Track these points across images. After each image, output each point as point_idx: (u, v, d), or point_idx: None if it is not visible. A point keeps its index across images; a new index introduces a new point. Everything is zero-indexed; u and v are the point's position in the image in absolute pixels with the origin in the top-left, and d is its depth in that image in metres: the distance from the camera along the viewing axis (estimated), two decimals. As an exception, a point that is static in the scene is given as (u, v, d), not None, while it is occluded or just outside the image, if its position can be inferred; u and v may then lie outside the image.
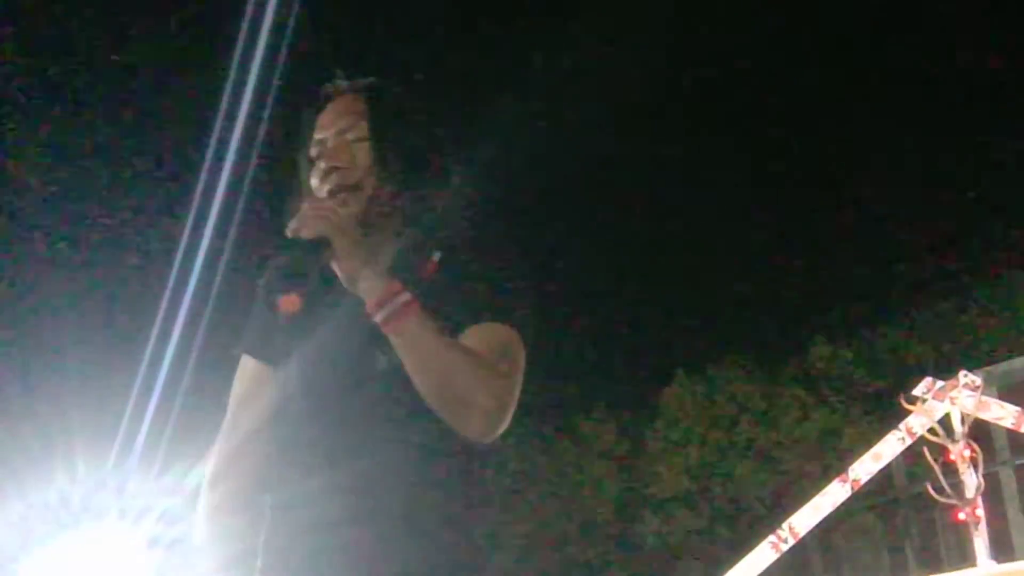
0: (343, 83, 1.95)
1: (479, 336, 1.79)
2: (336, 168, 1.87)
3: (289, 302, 1.92)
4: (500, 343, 1.80)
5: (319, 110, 1.94)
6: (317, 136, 1.92)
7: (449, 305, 1.79)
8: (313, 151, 1.92)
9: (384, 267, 1.81)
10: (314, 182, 1.90)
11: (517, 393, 1.80)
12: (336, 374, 1.83)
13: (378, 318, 1.72)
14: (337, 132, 1.91)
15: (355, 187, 1.87)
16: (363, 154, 1.89)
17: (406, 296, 1.72)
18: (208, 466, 1.95)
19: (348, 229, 1.77)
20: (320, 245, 1.76)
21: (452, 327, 1.77)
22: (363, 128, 1.90)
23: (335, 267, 1.77)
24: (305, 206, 1.78)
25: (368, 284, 1.74)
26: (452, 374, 1.72)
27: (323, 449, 1.82)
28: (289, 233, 1.76)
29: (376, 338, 1.76)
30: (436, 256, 1.87)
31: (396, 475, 1.77)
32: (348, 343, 1.83)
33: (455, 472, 1.81)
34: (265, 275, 2.00)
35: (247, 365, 1.97)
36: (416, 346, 1.72)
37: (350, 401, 1.82)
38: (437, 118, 2.00)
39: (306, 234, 1.75)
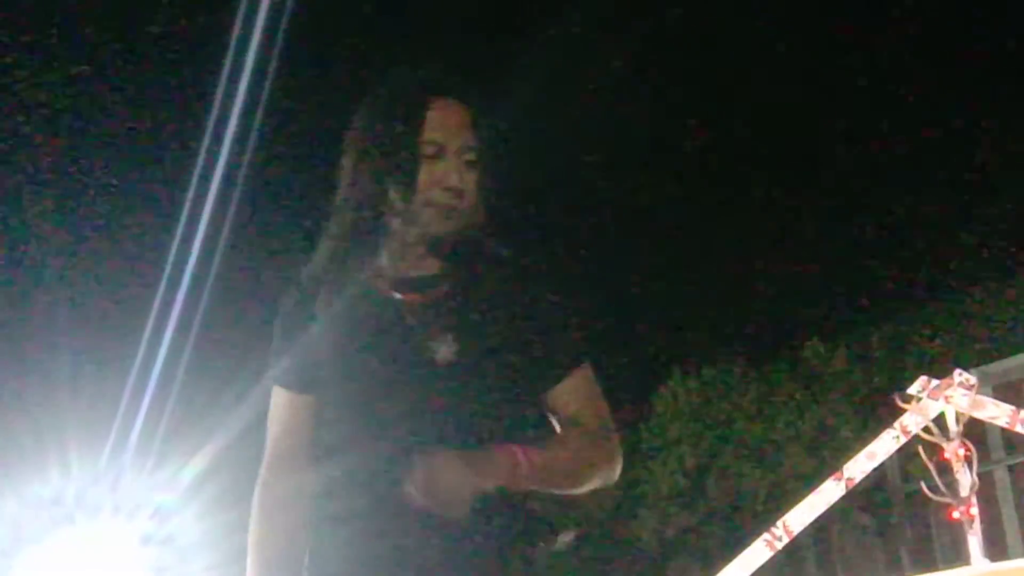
0: (448, 80, 1.84)
1: (574, 406, 1.88)
2: (462, 193, 1.81)
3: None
4: (590, 399, 1.89)
5: (422, 103, 1.81)
6: (433, 135, 1.81)
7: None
8: (429, 149, 1.80)
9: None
10: (432, 191, 1.81)
11: (615, 430, 1.91)
12: (389, 374, 1.77)
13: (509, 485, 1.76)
14: (456, 148, 1.82)
15: (467, 215, 1.83)
16: (471, 183, 1.82)
17: (518, 456, 1.78)
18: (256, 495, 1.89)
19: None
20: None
21: (538, 374, 1.86)
22: (474, 152, 1.82)
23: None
24: None
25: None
26: (578, 480, 1.93)
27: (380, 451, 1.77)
28: None
29: (431, 332, 1.75)
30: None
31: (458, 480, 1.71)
32: (400, 341, 1.77)
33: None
34: (292, 292, 1.89)
35: (284, 398, 1.89)
36: (543, 484, 1.83)
37: (409, 398, 1.76)
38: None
39: None
